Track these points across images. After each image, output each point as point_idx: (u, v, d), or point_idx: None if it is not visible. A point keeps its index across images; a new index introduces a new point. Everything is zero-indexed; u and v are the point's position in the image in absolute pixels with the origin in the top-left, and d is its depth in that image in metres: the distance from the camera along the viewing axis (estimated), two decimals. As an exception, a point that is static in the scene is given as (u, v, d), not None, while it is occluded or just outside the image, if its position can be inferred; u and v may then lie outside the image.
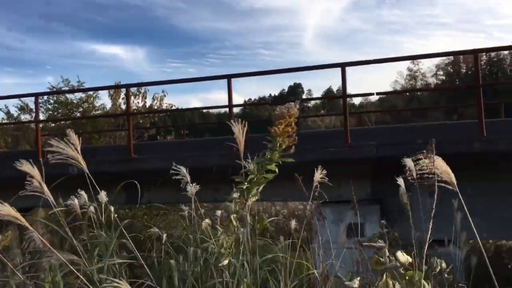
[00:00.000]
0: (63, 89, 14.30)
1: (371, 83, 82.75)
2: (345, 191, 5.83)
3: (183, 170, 3.86)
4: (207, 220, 4.36)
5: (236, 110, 15.49)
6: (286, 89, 77.06)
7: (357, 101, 69.08)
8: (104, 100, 14.63)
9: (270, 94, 78.26)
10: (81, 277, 2.20)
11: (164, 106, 14.16)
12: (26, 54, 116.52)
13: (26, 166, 2.17)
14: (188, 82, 7.71)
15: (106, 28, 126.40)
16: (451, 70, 58.76)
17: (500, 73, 56.32)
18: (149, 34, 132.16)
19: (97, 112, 14.19)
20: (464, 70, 58.14)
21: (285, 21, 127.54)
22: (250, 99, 78.37)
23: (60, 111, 14.18)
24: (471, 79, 56.98)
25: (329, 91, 68.71)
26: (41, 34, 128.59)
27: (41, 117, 14.40)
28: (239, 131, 2.49)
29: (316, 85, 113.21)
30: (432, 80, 59.28)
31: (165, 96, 14.26)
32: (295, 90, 75.55)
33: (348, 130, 6.83)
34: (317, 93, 78.94)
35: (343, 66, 6.88)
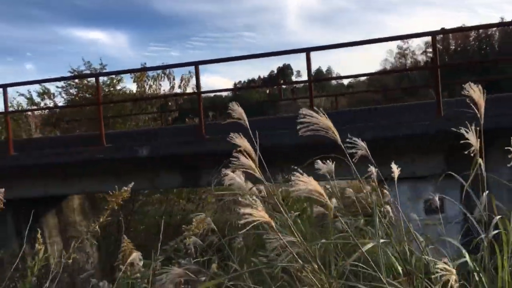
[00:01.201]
0: (84, 72, 14.08)
1: (361, 62, 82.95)
2: (420, 167, 5.90)
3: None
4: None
5: (226, 93, 15.62)
6: (276, 71, 76.82)
7: (346, 81, 69.29)
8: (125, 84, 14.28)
9: (259, 76, 77.98)
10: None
11: (190, 89, 14.07)
12: (4, 41, 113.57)
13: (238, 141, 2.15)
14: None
15: (85, 12, 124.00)
16: (440, 47, 59.05)
17: (488, 49, 56.92)
18: (129, 18, 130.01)
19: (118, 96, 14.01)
20: (453, 47, 58.66)
21: (266, 1, 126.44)
22: (240, 81, 78.05)
23: (80, 95, 13.94)
24: (460, 56, 57.57)
25: (318, 71, 68.67)
26: (20, 20, 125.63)
27: (62, 102, 14.23)
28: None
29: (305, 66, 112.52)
30: (421, 58, 59.73)
31: (191, 77, 14.13)
32: (285, 72, 75.40)
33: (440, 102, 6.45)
34: (306, 75, 78.68)
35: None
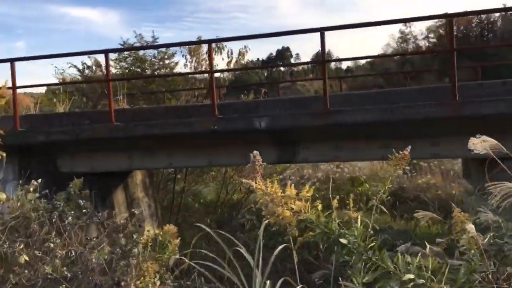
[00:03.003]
0: (136, 45, 13.78)
1: (364, 45, 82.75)
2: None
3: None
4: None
5: (226, 74, 15.49)
6: (274, 53, 76.32)
7: (344, 65, 69.23)
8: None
9: (258, 59, 77.39)
10: None
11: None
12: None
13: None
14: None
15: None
16: (443, 33, 59.20)
17: (490, 35, 57.17)
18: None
19: (170, 70, 13.80)
20: (455, 33, 58.62)
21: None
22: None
23: (132, 69, 13.66)
24: (462, 41, 57.70)
25: (317, 55, 68.40)
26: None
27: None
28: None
29: (304, 48, 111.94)
30: (423, 43, 59.88)
31: (247, 52, 13.93)
32: (284, 54, 74.96)
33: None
34: (305, 57, 78.34)
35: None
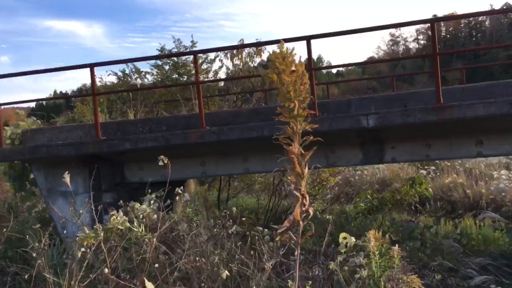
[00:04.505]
0: (174, 51, 13.48)
1: (356, 49, 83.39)
2: None
3: None
4: None
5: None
6: (266, 60, 76.23)
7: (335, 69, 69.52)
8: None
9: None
10: None
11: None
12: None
13: None
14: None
15: (61, 2, 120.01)
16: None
17: (479, 36, 58.14)
18: (106, 8, 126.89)
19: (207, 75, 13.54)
20: (444, 34, 59.56)
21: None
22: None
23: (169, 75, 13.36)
24: (452, 42, 58.57)
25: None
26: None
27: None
28: None
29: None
30: (413, 45, 60.54)
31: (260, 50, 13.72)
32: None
33: None
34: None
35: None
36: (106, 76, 13.56)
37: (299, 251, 2.25)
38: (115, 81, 13.70)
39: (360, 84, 53.81)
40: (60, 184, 7.64)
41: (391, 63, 55.18)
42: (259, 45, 12.62)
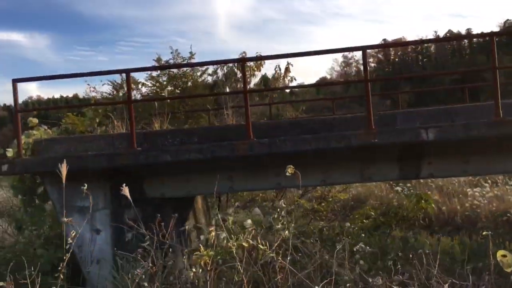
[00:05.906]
0: (171, 61, 12.90)
1: (311, 69, 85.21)
2: None
3: None
4: None
5: None
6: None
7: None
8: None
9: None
10: None
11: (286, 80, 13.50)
12: None
13: None
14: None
15: (2, 12, 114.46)
16: (382, 58, 62.44)
17: (425, 60, 61.06)
18: (50, 20, 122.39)
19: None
20: (393, 58, 62.16)
21: (196, 9, 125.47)
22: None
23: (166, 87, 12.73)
24: (400, 66, 61.07)
25: (264, 78, 69.13)
26: None
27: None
28: None
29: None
30: (364, 67, 62.47)
31: (288, 68, 13.58)
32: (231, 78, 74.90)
33: None
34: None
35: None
36: (101, 86, 12.78)
37: None
38: (108, 91, 12.94)
39: (316, 103, 54.92)
40: (76, 199, 6.94)
41: (345, 84, 56.70)
42: (259, 59, 12.42)
